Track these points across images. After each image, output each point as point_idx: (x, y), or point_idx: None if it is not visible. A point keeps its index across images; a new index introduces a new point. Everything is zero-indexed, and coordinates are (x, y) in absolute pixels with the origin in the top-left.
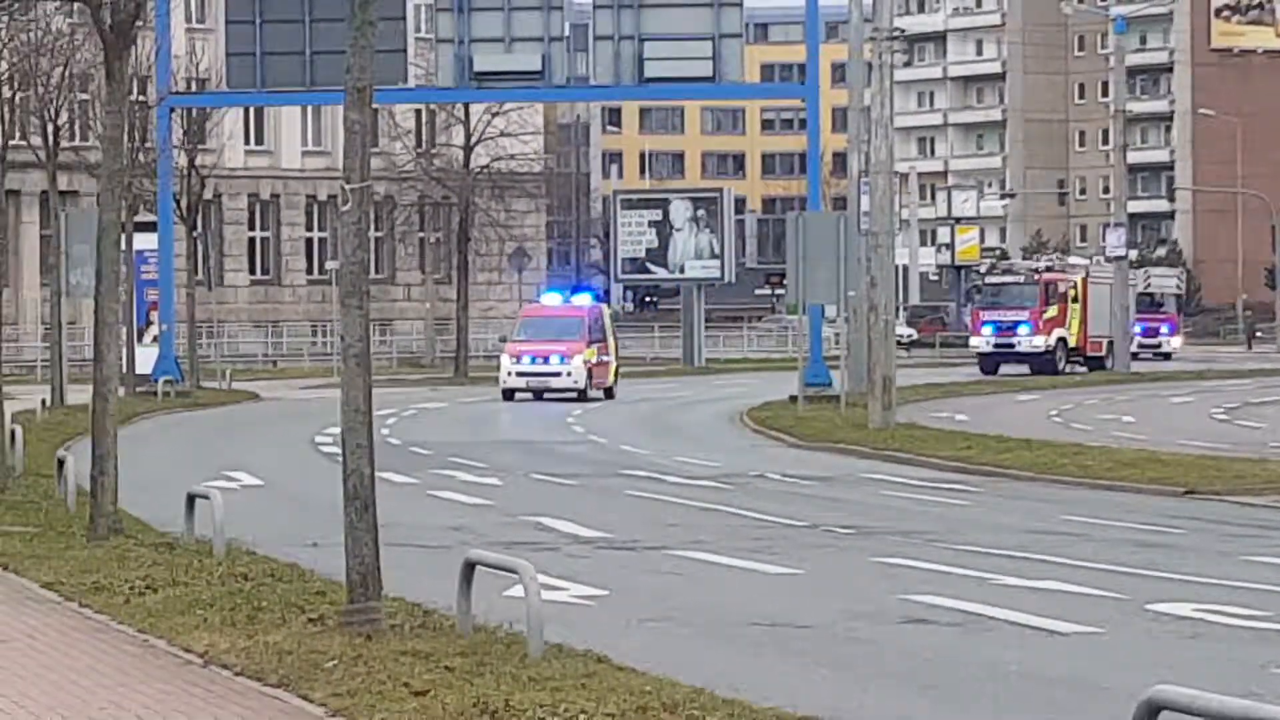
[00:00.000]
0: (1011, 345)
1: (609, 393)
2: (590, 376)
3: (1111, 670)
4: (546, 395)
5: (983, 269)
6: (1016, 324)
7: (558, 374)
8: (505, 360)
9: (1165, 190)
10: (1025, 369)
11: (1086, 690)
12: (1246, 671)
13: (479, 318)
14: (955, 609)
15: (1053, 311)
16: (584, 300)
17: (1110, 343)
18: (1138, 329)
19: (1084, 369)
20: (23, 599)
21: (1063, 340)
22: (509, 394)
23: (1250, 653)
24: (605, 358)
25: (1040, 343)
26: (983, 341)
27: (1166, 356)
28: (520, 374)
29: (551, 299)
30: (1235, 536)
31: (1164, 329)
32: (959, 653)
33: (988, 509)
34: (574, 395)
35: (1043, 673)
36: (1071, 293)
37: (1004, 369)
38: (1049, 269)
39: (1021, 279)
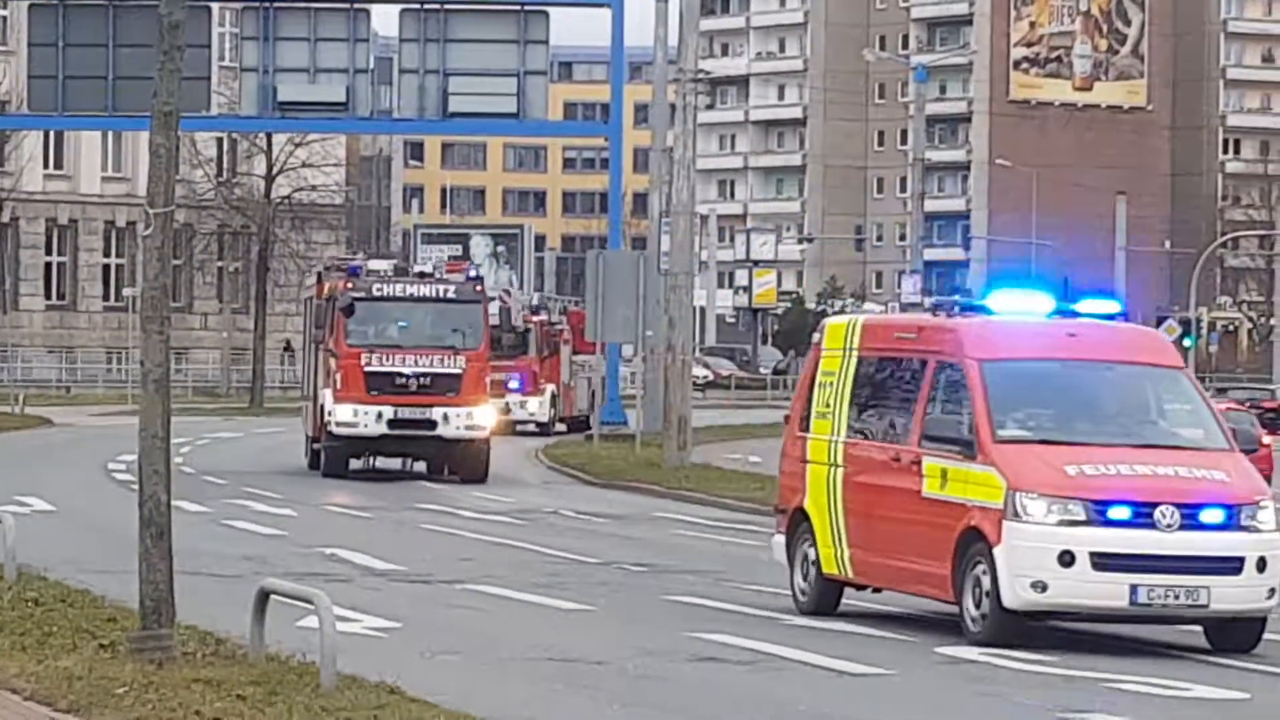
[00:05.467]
0: None
1: None
2: None
3: (898, 713)
4: None
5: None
6: None
7: None
8: None
9: (961, 239)
10: None
11: None
12: (1034, 716)
13: (275, 348)
14: (746, 648)
15: None
16: None
17: None
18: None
19: None
20: None
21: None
22: None
23: (1036, 697)
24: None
25: None
26: None
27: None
28: None
29: None
30: None
31: (512, 383)
32: (749, 691)
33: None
34: None
35: (831, 713)
36: None
37: None
38: None
39: None
